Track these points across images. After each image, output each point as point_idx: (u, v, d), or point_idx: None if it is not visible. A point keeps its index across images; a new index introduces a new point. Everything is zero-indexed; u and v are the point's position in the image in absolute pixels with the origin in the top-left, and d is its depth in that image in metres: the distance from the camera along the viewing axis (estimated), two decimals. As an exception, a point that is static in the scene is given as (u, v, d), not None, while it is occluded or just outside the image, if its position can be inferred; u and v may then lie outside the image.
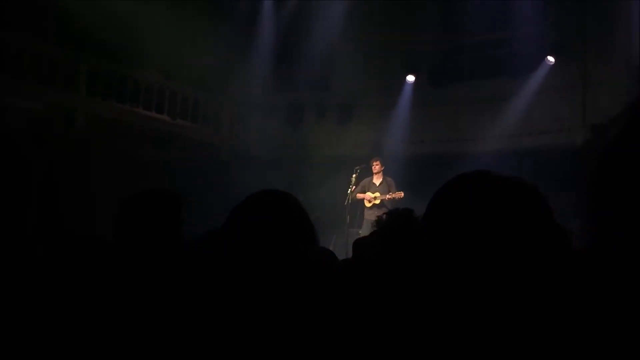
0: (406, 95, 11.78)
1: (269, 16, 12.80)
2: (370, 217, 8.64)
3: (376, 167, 8.86)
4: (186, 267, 1.67)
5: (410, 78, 11.74)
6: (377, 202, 8.70)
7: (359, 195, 8.84)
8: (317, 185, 9.98)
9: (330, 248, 5.62)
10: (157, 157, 10.63)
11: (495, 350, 1.00)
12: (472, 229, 1.03)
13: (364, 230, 8.56)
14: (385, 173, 8.98)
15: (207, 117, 12.61)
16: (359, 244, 3.13)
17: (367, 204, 8.80)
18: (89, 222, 8.54)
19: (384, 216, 2.32)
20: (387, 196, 8.60)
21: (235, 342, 1.33)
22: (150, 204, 2.11)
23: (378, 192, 8.79)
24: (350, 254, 6.31)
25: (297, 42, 12.78)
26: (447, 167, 10.76)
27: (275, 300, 1.36)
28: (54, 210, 9.02)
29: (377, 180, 8.87)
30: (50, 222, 8.62)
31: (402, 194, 8.48)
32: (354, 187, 8.82)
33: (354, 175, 8.83)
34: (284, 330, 1.35)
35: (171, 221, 2.11)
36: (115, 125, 10.48)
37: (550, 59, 10.33)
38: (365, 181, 8.95)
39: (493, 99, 10.77)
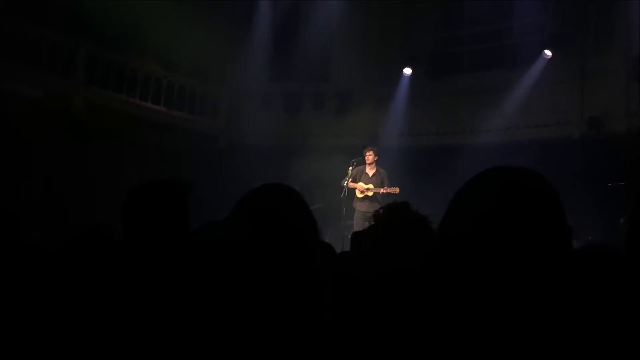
0: (404, 87, 11.76)
1: (267, 6, 12.74)
2: (360, 207, 8.55)
3: (369, 157, 8.61)
4: (197, 258, 1.68)
5: (408, 70, 11.70)
6: (370, 194, 8.55)
7: (351, 185, 8.59)
8: (313, 176, 9.98)
9: (326, 240, 5.63)
10: (155, 145, 10.63)
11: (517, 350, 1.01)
12: (492, 236, 1.02)
13: (355, 221, 8.50)
14: (380, 164, 8.79)
15: (205, 106, 12.60)
16: (358, 237, 3.13)
17: (359, 194, 8.63)
18: (88, 208, 8.58)
19: (381, 210, 2.31)
20: (382, 190, 8.39)
21: (248, 333, 1.35)
22: (160, 193, 2.10)
23: (371, 183, 8.62)
24: (345, 247, 6.33)
25: (295, 32, 12.74)
26: (444, 159, 10.81)
27: (289, 290, 1.39)
28: (52, 196, 9.01)
29: (370, 170, 8.65)
30: (49, 208, 8.62)
31: (398, 190, 8.26)
32: (349, 179, 8.68)
33: (350, 168, 8.67)
34: (298, 320, 1.37)
35: (180, 211, 2.10)
36: (113, 113, 10.46)
37: (548, 52, 10.31)
38: (357, 169, 8.71)
39: (491, 91, 10.76)
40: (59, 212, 8.34)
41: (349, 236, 3.65)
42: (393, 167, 9.29)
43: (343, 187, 8.62)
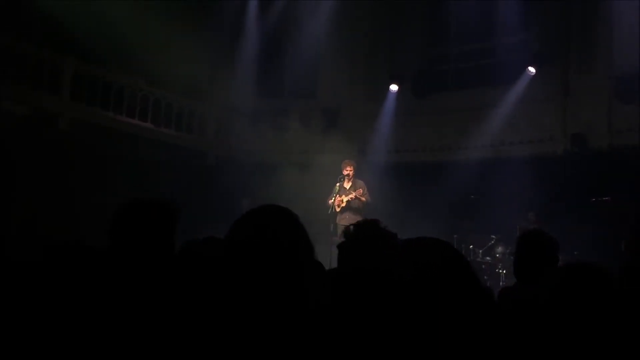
0: (390, 104, 11.86)
1: (254, 23, 12.82)
2: (341, 221, 8.58)
3: (346, 170, 8.67)
4: (184, 277, 1.70)
5: (394, 87, 11.80)
6: (344, 204, 8.60)
7: (330, 202, 8.66)
8: (301, 192, 9.99)
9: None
10: (142, 162, 10.57)
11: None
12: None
13: (340, 237, 8.52)
14: (360, 177, 8.81)
15: (192, 123, 12.60)
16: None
17: (337, 209, 8.72)
18: (73, 226, 8.49)
19: (352, 227, 2.41)
20: (350, 196, 8.46)
21: (235, 346, 1.37)
22: (147, 213, 2.12)
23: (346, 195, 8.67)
24: (333, 263, 6.32)
25: (282, 49, 12.83)
26: (430, 176, 10.85)
27: (277, 308, 1.41)
28: (37, 214, 8.92)
29: (347, 184, 8.70)
30: (33, 225, 8.52)
31: (361, 191, 8.40)
32: (336, 195, 8.73)
33: (337, 184, 8.73)
34: (283, 336, 1.39)
35: (166, 231, 2.12)
36: (99, 130, 10.42)
37: (531, 69, 10.46)
38: (336, 186, 8.77)
39: (476, 108, 10.88)
40: (44, 230, 8.25)
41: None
42: (380, 183, 9.33)
43: (330, 203, 8.67)
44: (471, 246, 8.96)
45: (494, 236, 8.88)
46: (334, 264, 4.31)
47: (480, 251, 8.91)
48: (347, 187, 8.68)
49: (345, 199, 8.58)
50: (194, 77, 11.66)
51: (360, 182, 8.70)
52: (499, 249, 8.68)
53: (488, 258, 8.78)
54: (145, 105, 11.57)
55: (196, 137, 12.59)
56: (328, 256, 8.02)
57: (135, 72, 11.21)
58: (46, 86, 10.04)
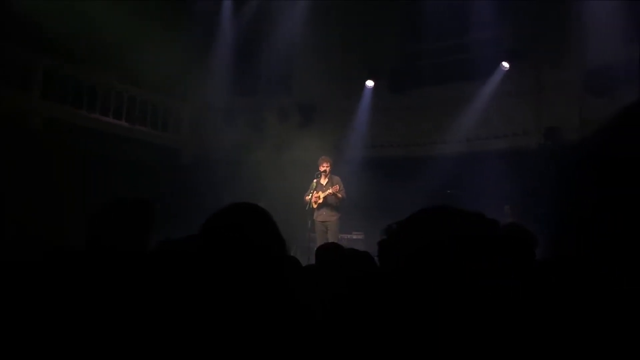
0: (366, 100, 11.90)
1: (229, 20, 12.75)
2: (318, 218, 8.64)
3: (323, 167, 8.68)
4: (160, 275, 1.69)
5: (370, 83, 11.86)
6: (320, 201, 8.62)
7: (307, 198, 8.68)
8: (278, 189, 9.97)
9: (292, 253, 5.61)
10: (117, 160, 10.44)
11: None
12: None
13: (317, 233, 8.57)
14: (336, 173, 8.85)
15: (167, 121, 12.49)
16: (321, 252, 3.19)
17: (315, 205, 8.73)
18: (48, 225, 8.35)
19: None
20: (327, 192, 8.48)
21: (224, 343, 1.36)
22: (125, 213, 2.12)
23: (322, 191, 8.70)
24: (311, 260, 6.34)
25: (258, 46, 12.78)
26: (407, 171, 10.87)
27: (260, 306, 1.41)
28: (7, 213, 8.75)
29: (324, 180, 8.72)
30: (5, 224, 8.37)
31: (338, 187, 8.43)
32: (312, 192, 8.74)
33: (315, 181, 8.74)
34: (274, 332, 1.38)
35: (143, 229, 2.13)
36: (72, 128, 10.26)
37: (505, 64, 10.60)
38: (314, 182, 8.80)
39: (451, 103, 10.97)
40: (15, 230, 8.11)
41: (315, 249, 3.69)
42: (357, 179, 9.36)
43: (307, 200, 8.68)
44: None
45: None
46: (312, 260, 4.31)
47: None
48: (324, 184, 8.70)
49: (322, 195, 8.60)
50: (169, 74, 11.56)
51: (336, 179, 8.73)
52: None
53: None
54: (119, 104, 11.44)
55: (171, 135, 12.50)
56: (307, 252, 8.06)
57: (109, 69, 11.06)
58: (16, 84, 9.84)
